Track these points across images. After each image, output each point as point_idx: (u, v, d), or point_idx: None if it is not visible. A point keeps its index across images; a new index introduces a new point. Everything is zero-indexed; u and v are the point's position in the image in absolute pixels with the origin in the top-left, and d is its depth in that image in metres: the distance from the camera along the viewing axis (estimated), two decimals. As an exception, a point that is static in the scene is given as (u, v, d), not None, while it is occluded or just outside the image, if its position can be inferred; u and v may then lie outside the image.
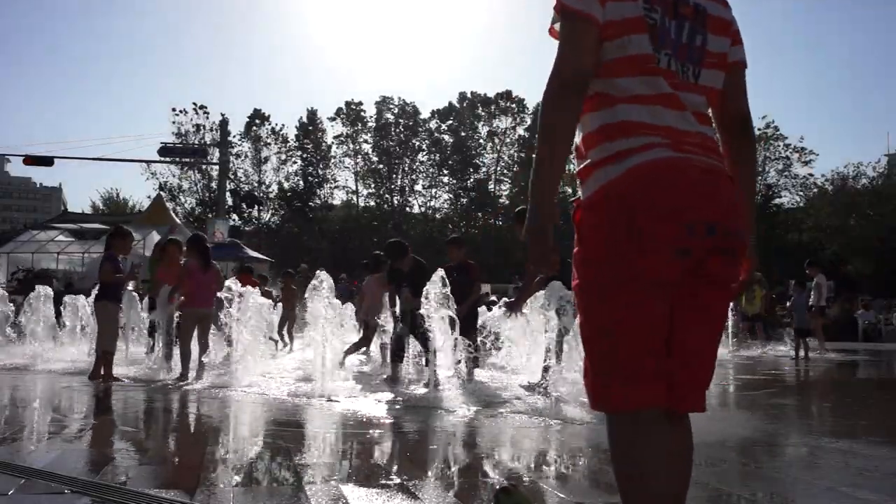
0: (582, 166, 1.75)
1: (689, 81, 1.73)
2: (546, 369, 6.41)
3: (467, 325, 7.41)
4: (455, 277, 7.77)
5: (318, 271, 7.70)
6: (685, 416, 1.81)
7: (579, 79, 1.67)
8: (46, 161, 29.30)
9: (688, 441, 1.83)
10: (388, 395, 6.49)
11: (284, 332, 12.81)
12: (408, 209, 50.82)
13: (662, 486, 1.67)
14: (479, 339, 7.70)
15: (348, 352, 8.68)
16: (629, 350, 1.67)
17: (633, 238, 1.62)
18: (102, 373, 7.58)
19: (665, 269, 1.64)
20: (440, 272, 6.87)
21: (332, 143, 50.29)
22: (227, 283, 8.31)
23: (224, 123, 36.93)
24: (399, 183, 50.40)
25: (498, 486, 2.77)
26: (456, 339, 7.04)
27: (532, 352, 7.69)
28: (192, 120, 45.45)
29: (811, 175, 43.76)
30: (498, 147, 50.21)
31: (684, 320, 1.72)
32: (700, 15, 1.76)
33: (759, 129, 43.75)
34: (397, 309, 8.22)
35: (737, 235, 1.70)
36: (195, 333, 7.94)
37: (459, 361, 6.99)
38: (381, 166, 50.22)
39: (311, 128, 49.68)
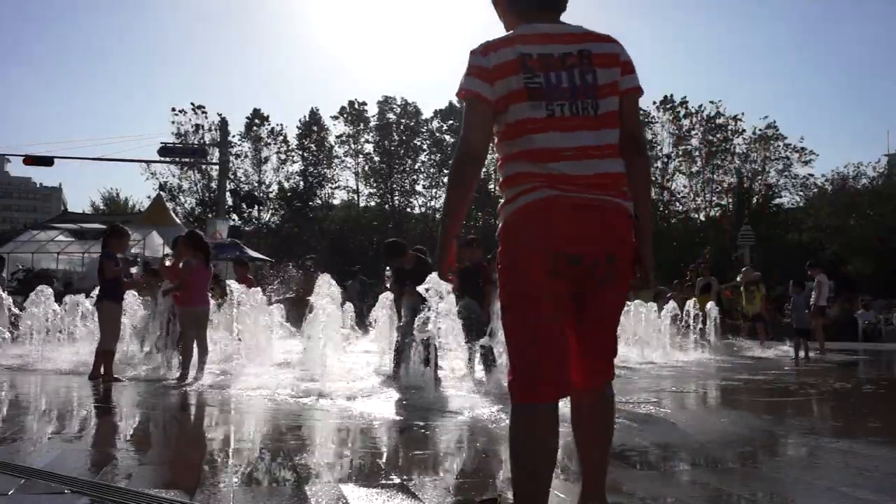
0: (499, 206, 2.19)
1: (589, 115, 2.09)
2: None
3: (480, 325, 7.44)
4: (468, 279, 7.81)
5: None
6: (604, 387, 2.27)
7: (474, 154, 2.12)
8: (46, 161, 29.26)
9: (609, 405, 2.30)
10: (389, 395, 6.48)
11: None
12: (409, 209, 50.78)
13: (537, 470, 2.04)
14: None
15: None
16: (527, 351, 2.08)
17: (518, 262, 2.07)
18: (102, 372, 7.58)
19: (545, 285, 2.03)
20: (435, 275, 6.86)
21: (335, 143, 50.30)
22: (229, 283, 8.32)
23: (224, 123, 36.90)
24: (400, 183, 50.36)
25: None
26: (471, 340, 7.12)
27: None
28: (191, 120, 45.44)
29: (811, 175, 43.76)
30: (498, 147, 50.15)
31: (587, 320, 2.16)
32: (586, 57, 2.12)
33: (759, 130, 43.84)
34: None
35: (608, 258, 2.07)
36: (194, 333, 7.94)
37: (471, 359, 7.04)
38: (382, 166, 50.19)
39: (314, 127, 49.63)
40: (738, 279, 15.89)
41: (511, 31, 2.21)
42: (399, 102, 50.76)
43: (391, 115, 50.47)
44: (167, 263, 8.92)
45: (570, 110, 2.07)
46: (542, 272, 2.02)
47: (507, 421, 4.98)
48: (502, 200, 2.16)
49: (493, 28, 2.48)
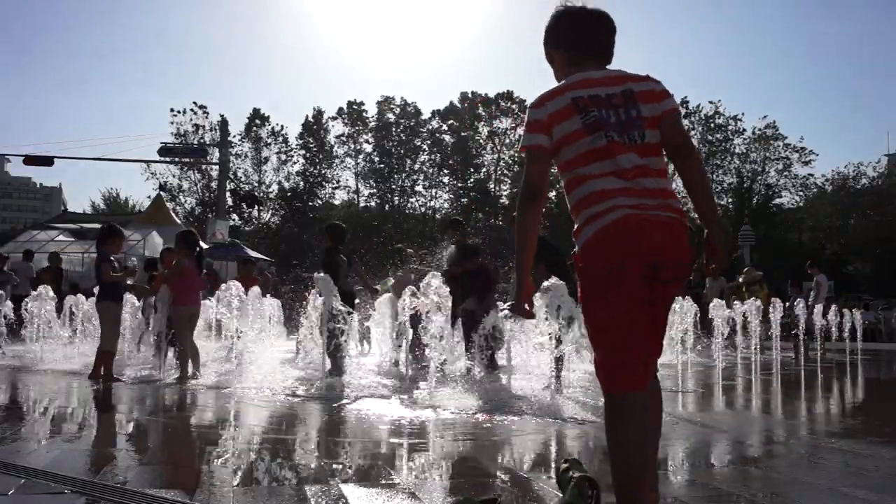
0: (574, 228, 2.42)
1: (637, 143, 2.36)
2: (557, 368, 6.45)
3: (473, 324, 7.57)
4: (469, 282, 8.15)
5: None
6: (655, 380, 2.48)
7: (540, 195, 2.47)
8: (46, 161, 29.30)
9: (658, 397, 2.49)
10: (389, 395, 6.48)
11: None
12: (409, 210, 50.78)
13: (640, 457, 2.22)
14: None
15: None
16: (628, 346, 2.30)
17: (612, 275, 2.29)
18: (102, 372, 7.58)
19: (640, 290, 2.29)
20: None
21: (335, 143, 50.29)
22: (230, 283, 8.32)
23: (224, 123, 36.90)
24: (400, 183, 50.36)
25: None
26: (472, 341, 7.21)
27: (533, 352, 7.68)
28: (190, 120, 45.43)
29: (811, 175, 43.75)
30: (498, 147, 50.19)
31: (655, 322, 2.39)
32: (629, 96, 2.42)
33: (759, 130, 43.84)
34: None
35: (672, 268, 2.34)
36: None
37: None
38: (381, 166, 50.19)
39: (315, 127, 49.62)
40: (741, 279, 15.86)
41: (563, 81, 2.52)
42: (399, 102, 50.80)
43: (391, 116, 50.47)
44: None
45: (621, 139, 2.36)
46: (639, 278, 2.27)
47: (506, 420, 4.97)
48: (583, 218, 2.36)
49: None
